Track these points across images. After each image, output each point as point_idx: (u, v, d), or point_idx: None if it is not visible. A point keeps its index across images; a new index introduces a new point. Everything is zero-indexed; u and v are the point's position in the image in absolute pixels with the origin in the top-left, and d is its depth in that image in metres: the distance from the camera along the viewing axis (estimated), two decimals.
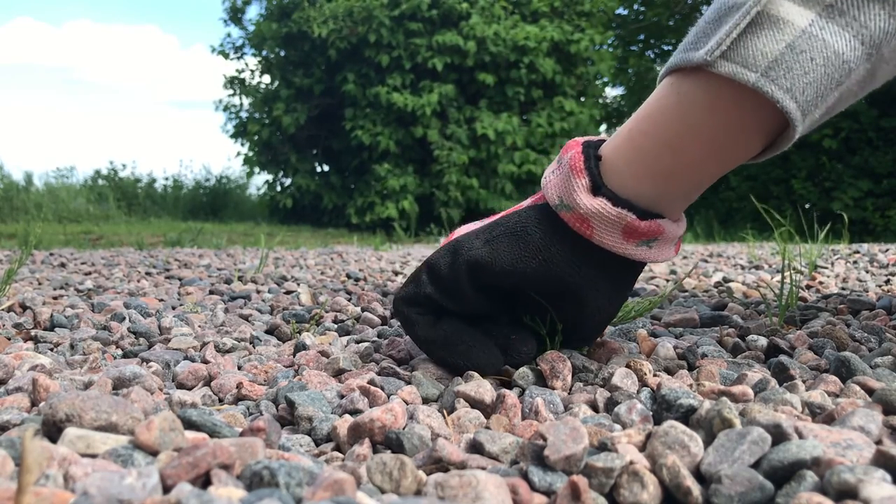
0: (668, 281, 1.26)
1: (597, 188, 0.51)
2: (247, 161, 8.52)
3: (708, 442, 0.40)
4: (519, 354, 0.58)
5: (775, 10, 0.45)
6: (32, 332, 0.79)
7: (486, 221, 0.58)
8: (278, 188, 8.68)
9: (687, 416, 0.45)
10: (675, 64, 0.50)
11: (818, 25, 0.44)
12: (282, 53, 8.27)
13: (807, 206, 6.87)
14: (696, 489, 0.35)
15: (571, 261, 0.53)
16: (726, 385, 0.55)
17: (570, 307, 0.56)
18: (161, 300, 1.07)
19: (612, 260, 0.53)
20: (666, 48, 10.16)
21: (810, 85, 0.45)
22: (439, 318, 0.58)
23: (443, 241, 0.68)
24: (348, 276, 1.44)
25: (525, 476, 0.38)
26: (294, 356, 0.68)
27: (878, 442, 0.41)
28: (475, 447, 0.43)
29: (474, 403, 0.51)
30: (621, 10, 9.82)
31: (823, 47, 0.44)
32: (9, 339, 0.77)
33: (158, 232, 4.79)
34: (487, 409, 0.50)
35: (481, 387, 0.51)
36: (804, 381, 0.55)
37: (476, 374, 0.56)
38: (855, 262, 1.75)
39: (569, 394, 0.55)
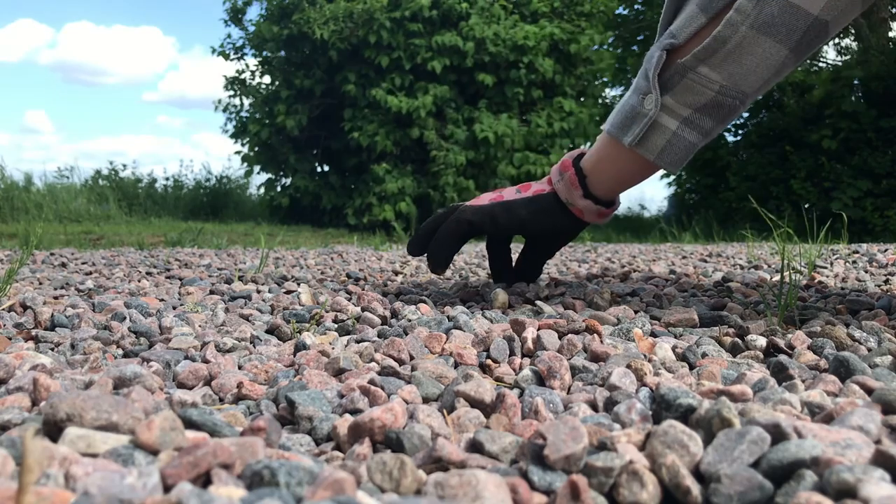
0: (667, 281, 1.26)
1: (586, 195, 0.98)
2: (246, 159, 8.50)
3: (707, 441, 0.40)
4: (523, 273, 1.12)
5: (660, 119, 0.88)
6: (33, 332, 0.79)
7: (518, 197, 1.01)
8: (278, 188, 8.67)
9: (686, 415, 0.45)
10: (613, 134, 0.93)
11: (681, 129, 0.88)
12: (282, 54, 8.26)
13: (806, 206, 6.87)
14: (695, 488, 0.35)
15: (567, 225, 1.02)
16: (726, 385, 0.55)
17: (556, 243, 1.09)
18: (162, 300, 1.07)
19: (583, 224, 1.03)
20: None
21: (677, 158, 0.89)
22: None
23: (488, 195, 1.03)
24: (348, 276, 1.44)
25: (525, 475, 0.38)
26: (294, 356, 0.68)
27: (878, 441, 0.41)
28: (475, 447, 0.43)
29: (474, 403, 0.51)
30: (621, 10, 9.83)
31: (684, 141, 0.88)
32: (9, 338, 0.77)
33: (159, 232, 4.79)
34: (487, 409, 0.50)
35: (481, 386, 0.51)
36: (803, 381, 0.55)
37: (476, 374, 0.56)
38: (854, 262, 1.75)
39: (568, 393, 0.55)
